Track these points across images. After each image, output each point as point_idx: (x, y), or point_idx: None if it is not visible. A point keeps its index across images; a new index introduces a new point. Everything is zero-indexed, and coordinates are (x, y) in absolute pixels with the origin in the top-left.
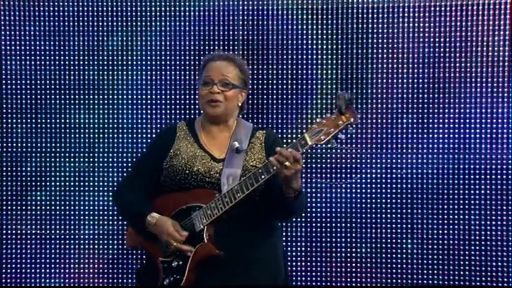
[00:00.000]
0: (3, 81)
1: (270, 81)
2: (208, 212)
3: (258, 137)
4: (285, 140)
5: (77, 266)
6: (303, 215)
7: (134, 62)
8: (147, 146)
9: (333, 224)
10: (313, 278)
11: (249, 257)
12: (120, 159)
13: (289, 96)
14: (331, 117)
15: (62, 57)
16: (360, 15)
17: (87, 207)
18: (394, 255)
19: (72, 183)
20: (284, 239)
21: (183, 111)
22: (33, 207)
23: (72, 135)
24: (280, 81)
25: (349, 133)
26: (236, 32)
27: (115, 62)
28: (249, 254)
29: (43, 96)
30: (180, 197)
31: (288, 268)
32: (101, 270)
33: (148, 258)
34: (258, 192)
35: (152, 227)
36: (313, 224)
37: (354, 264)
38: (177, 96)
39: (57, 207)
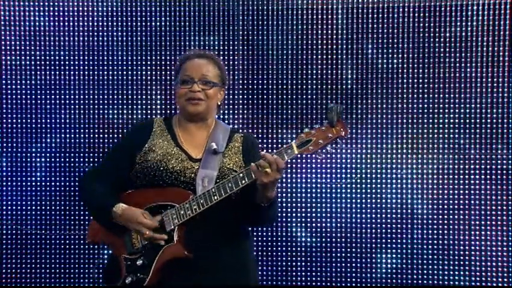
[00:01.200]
0: (3, 81)
1: (270, 81)
2: (181, 212)
3: (236, 139)
4: (283, 141)
5: (77, 266)
6: (277, 220)
7: (134, 62)
8: (121, 137)
9: (333, 224)
10: (313, 278)
11: (218, 262)
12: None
13: (289, 96)
14: (321, 128)
15: (62, 57)
16: (360, 15)
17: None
18: (394, 255)
19: (72, 183)
20: (284, 238)
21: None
22: (33, 207)
23: (72, 135)
24: (280, 81)
25: (338, 147)
26: (236, 32)
27: (115, 62)
28: (219, 259)
29: (43, 96)
30: (151, 194)
31: (259, 276)
32: (101, 270)
33: (111, 254)
34: (233, 196)
35: (119, 218)
36: (313, 224)
37: (353, 264)
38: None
39: (57, 207)
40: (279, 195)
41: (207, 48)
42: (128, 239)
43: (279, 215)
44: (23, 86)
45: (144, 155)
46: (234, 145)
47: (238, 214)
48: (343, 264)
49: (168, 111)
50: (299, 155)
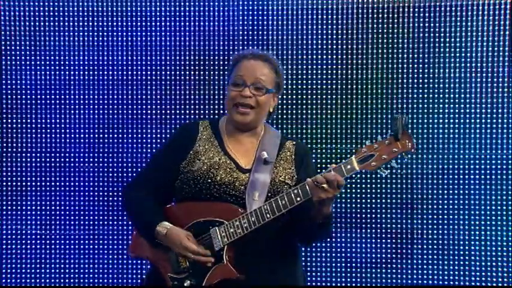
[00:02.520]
0: (3, 81)
1: None
2: (230, 230)
3: (288, 148)
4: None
5: (77, 266)
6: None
7: (134, 62)
8: (165, 142)
9: (333, 224)
10: (313, 278)
11: (270, 282)
12: (120, 159)
13: (289, 96)
14: (384, 141)
15: (62, 57)
16: (360, 15)
17: (87, 207)
18: (394, 255)
19: (72, 183)
20: None
21: (183, 111)
22: (33, 207)
23: (72, 135)
24: None
25: (403, 161)
26: (236, 32)
27: (115, 62)
28: (271, 279)
29: (43, 96)
30: (198, 209)
31: None
32: (101, 270)
33: (154, 271)
34: (286, 212)
35: (162, 238)
36: None
37: (354, 264)
38: (178, 96)
39: (57, 207)
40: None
41: (206, 48)
42: (173, 257)
43: None
44: (23, 86)
45: (189, 163)
46: (285, 154)
47: (291, 231)
48: (343, 264)
49: (168, 111)
50: (360, 171)
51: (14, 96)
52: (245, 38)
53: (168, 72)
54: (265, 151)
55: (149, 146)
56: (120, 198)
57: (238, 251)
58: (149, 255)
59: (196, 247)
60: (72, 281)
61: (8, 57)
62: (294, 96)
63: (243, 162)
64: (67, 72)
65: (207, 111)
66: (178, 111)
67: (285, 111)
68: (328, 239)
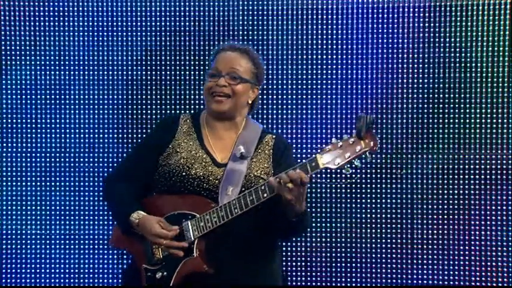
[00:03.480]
0: (3, 81)
1: (270, 81)
2: (201, 224)
3: (266, 142)
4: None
5: (77, 266)
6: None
7: (134, 62)
8: (146, 135)
9: (333, 224)
10: (313, 278)
11: (241, 277)
12: (120, 159)
13: (289, 96)
14: (349, 140)
15: (62, 57)
16: (360, 15)
17: (87, 207)
18: (394, 255)
19: (72, 183)
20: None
21: (183, 111)
22: (33, 207)
23: (72, 135)
24: (280, 81)
25: (367, 160)
26: (236, 32)
27: (115, 62)
28: (242, 274)
29: (43, 96)
30: (173, 201)
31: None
32: (101, 270)
33: (132, 262)
34: (260, 207)
35: (136, 227)
36: (313, 224)
37: (354, 264)
38: (178, 96)
39: (57, 207)
40: None
41: (206, 48)
42: (148, 249)
43: None
44: (23, 86)
45: (167, 156)
46: (264, 149)
47: (266, 227)
48: (343, 264)
49: (168, 111)
50: (324, 170)
51: (14, 96)
52: (245, 38)
53: (168, 72)
54: (243, 145)
55: None
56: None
57: (209, 245)
58: (127, 247)
59: (168, 232)
60: (72, 281)
61: (8, 57)
62: (294, 96)
63: (219, 157)
64: (67, 72)
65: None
66: (178, 111)
67: (284, 111)
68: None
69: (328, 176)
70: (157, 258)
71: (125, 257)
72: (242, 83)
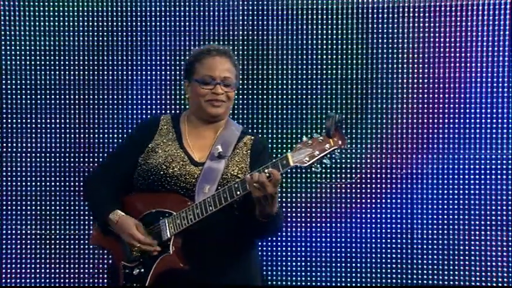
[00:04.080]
0: (3, 81)
1: (270, 81)
2: (177, 221)
3: (245, 142)
4: (283, 141)
5: (77, 266)
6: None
7: (134, 62)
8: (126, 136)
9: (333, 224)
10: (313, 278)
11: (217, 275)
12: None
13: (289, 97)
14: (318, 138)
15: (62, 57)
16: (360, 15)
17: (87, 207)
18: (394, 255)
19: (72, 183)
20: (284, 238)
21: (182, 111)
22: (33, 207)
23: (72, 135)
24: (280, 81)
25: (335, 158)
26: (236, 32)
27: (115, 62)
28: (218, 272)
29: (43, 96)
30: (151, 199)
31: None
32: (101, 270)
33: (112, 260)
34: (236, 205)
35: (114, 226)
36: (313, 224)
37: (354, 264)
38: (177, 96)
39: (57, 207)
40: (280, 195)
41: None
42: (126, 246)
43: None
44: (23, 86)
45: (146, 156)
46: (242, 149)
47: (239, 226)
48: (343, 264)
49: (168, 111)
50: (295, 167)
51: (14, 96)
52: (245, 38)
53: (168, 72)
54: (222, 145)
55: None
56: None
57: (185, 242)
58: (106, 244)
59: (143, 236)
60: (72, 281)
61: (8, 57)
62: (294, 97)
63: (197, 156)
64: (67, 72)
65: None
66: (178, 111)
67: (284, 111)
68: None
69: (328, 176)
70: (135, 256)
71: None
72: (234, 89)
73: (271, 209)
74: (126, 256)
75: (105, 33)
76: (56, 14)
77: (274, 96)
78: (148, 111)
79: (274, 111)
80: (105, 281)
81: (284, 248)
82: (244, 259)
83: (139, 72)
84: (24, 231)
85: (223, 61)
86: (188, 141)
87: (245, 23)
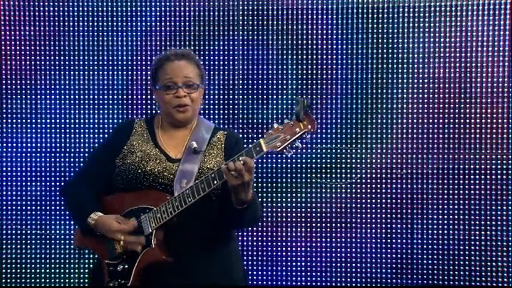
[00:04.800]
0: (3, 81)
1: (270, 81)
2: (157, 216)
3: (218, 137)
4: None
5: (76, 266)
6: (259, 222)
7: (134, 62)
8: (101, 141)
9: (333, 224)
10: (313, 278)
11: (199, 266)
12: None
13: (290, 97)
14: (289, 123)
15: (62, 57)
16: (360, 15)
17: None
18: (394, 255)
19: None
20: (284, 238)
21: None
22: (33, 207)
23: (72, 135)
24: (280, 81)
25: (306, 141)
26: (236, 32)
27: (115, 62)
28: (199, 263)
29: (43, 96)
30: (130, 198)
31: (246, 277)
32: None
33: (96, 260)
34: (214, 197)
35: (94, 227)
36: (313, 224)
37: (354, 264)
38: None
39: (57, 207)
40: (280, 195)
41: (206, 48)
42: (109, 245)
43: (279, 215)
44: (23, 86)
45: (123, 157)
46: (216, 144)
47: (217, 215)
48: (343, 264)
49: None
50: (269, 152)
51: (14, 96)
52: (245, 38)
53: None
54: (195, 141)
55: None
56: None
57: (166, 236)
58: (89, 245)
59: (125, 226)
60: (72, 281)
61: (8, 57)
62: (294, 97)
63: (173, 154)
64: (67, 72)
65: (206, 111)
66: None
67: (284, 111)
68: (253, 227)
69: (328, 176)
70: (118, 253)
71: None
72: (197, 90)
73: (247, 196)
74: (109, 254)
75: (105, 34)
76: (56, 14)
77: (274, 96)
78: (148, 112)
79: (274, 111)
80: (86, 281)
81: (284, 248)
82: (223, 249)
83: (139, 72)
84: (24, 231)
85: (182, 65)
86: (162, 141)
87: (245, 23)
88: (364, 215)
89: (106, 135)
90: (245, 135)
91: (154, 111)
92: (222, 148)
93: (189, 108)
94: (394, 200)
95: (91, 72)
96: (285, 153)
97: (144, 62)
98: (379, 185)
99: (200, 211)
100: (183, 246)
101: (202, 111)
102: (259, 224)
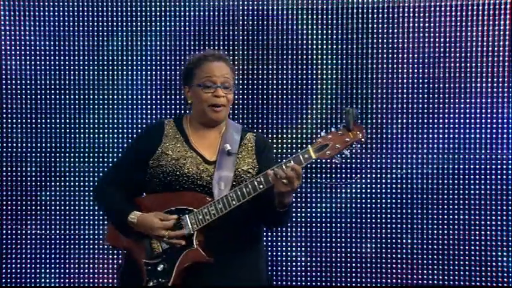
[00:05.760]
0: (3, 81)
1: (270, 81)
2: (199, 217)
3: (248, 139)
4: (284, 141)
5: (77, 266)
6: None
7: (134, 62)
8: (132, 141)
9: (333, 224)
10: (313, 278)
11: (235, 265)
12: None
13: (289, 96)
14: (338, 132)
15: (62, 57)
16: (360, 15)
17: (87, 207)
18: (394, 255)
19: (72, 183)
20: (284, 238)
21: (183, 111)
22: (33, 207)
23: (72, 135)
24: (280, 81)
25: (354, 151)
26: (236, 32)
27: (115, 62)
28: (235, 261)
29: (43, 96)
30: (168, 198)
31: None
32: (100, 270)
33: (128, 258)
34: (250, 200)
35: (134, 226)
36: (313, 224)
37: (354, 264)
38: (177, 96)
39: (57, 207)
40: None
41: (206, 48)
42: (147, 244)
43: None
44: (23, 86)
45: (157, 159)
46: (247, 145)
47: (254, 217)
48: (343, 264)
49: (168, 111)
50: (317, 160)
51: (14, 96)
52: (245, 38)
53: (167, 73)
54: (228, 144)
55: None
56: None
57: (207, 237)
58: (124, 244)
59: (167, 222)
60: (72, 281)
61: (8, 57)
62: (294, 97)
63: (207, 155)
64: (67, 73)
65: None
66: (178, 112)
67: (285, 111)
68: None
69: (328, 176)
70: (157, 252)
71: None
72: (232, 91)
73: (288, 200)
74: (147, 254)
75: (105, 33)
76: (56, 14)
77: (274, 96)
78: (148, 111)
79: (274, 111)
80: (115, 281)
81: (284, 248)
82: (255, 248)
83: (139, 72)
84: (24, 231)
85: (220, 65)
86: (195, 142)
87: (245, 23)
88: (364, 215)
89: (106, 135)
90: None
91: (154, 111)
92: (253, 150)
93: (224, 109)
94: (394, 200)
95: (91, 72)
96: (334, 161)
97: (144, 62)
98: (379, 185)
99: (236, 213)
100: (221, 247)
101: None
102: (271, 227)
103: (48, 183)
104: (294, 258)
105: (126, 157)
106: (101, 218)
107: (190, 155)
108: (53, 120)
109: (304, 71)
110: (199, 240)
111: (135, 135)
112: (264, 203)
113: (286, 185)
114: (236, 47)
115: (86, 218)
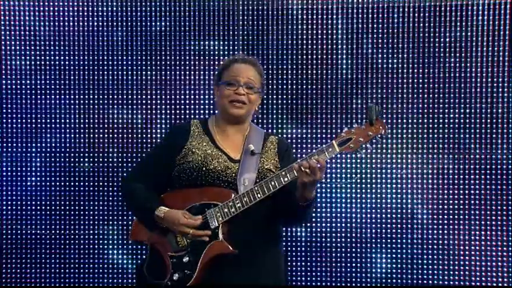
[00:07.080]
0: (3, 81)
1: (270, 81)
2: (225, 210)
3: (271, 141)
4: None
5: (77, 266)
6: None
7: (134, 62)
8: (159, 141)
9: (333, 224)
10: (313, 278)
11: (256, 257)
12: (120, 159)
13: (289, 96)
14: (361, 127)
15: (62, 57)
16: (360, 15)
17: (87, 207)
18: (394, 255)
19: (72, 183)
20: (284, 238)
21: (182, 111)
22: (33, 207)
23: (72, 135)
24: (280, 81)
25: (376, 144)
26: (236, 32)
27: (115, 62)
28: (257, 254)
29: (43, 96)
30: (194, 194)
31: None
32: (101, 270)
33: (152, 254)
34: (272, 195)
35: (161, 221)
36: (313, 224)
37: (353, 264)
38: (177, 96)
39: (57, 207)
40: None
41: (206, 48)
42: (172, 238)
43: None
44: (23, 86)
45: (184, 156)
46: (269, 147)
47: (276, 213)
48: (343, 264)
49: (168, 111)
50: (341, 153)
51: (14, 96)
52: (245, 38)
53: (168, 72)
54: (252, 144)
55: (149, 146)
56: (120, 193)
57: (231, 229)
58: (149, 239)
59: (194, 221)
60: (72, 281)
61: (8, 57)
62: (294, 97)
63: (232, 154)
64: (67, 72)
65: (206, 111)
66: (178, 112)
67: (285, 111)
68: (308, 224)
69: (328, 176)
70: (183, 245)
71: (125, 256)
72: (255, 93)
73: (311, 194)
74: (172, 247)
75: (105, 33)
76: (56, 14)
77: (274, 96)
78: (149, 112)
79: (274, 111)
80: (138, 275)
81: (284, 248)
82: (275, 242)
83: (139, 72)
84: (24, 231)
85: (247, 67)
86: (220, 141)
87: (245, 23)
88: (364, 215)
89: (106, 135)
90: None
91: (153, 112)
92: (276, 151)
93: (244, 106)
94: (394, 200)
95: (91, 72)
96: (357, 155)
97: (144, 62)
98: (379, 185)
99: (259, 207)
100: (245, 243)
101: (202, 112)
102: (293, 224)
103: (48, 183)
104: (294, 258)
105: (154, 155)
106: (100, 218)
107: (216, 153)
108: (53, 120)
109: (304, 71)
110: (224, 232)
111: (134, 135)
112: (286, 198)
113: (309, 176)
114: (236, 47)
115: (86, 218)
